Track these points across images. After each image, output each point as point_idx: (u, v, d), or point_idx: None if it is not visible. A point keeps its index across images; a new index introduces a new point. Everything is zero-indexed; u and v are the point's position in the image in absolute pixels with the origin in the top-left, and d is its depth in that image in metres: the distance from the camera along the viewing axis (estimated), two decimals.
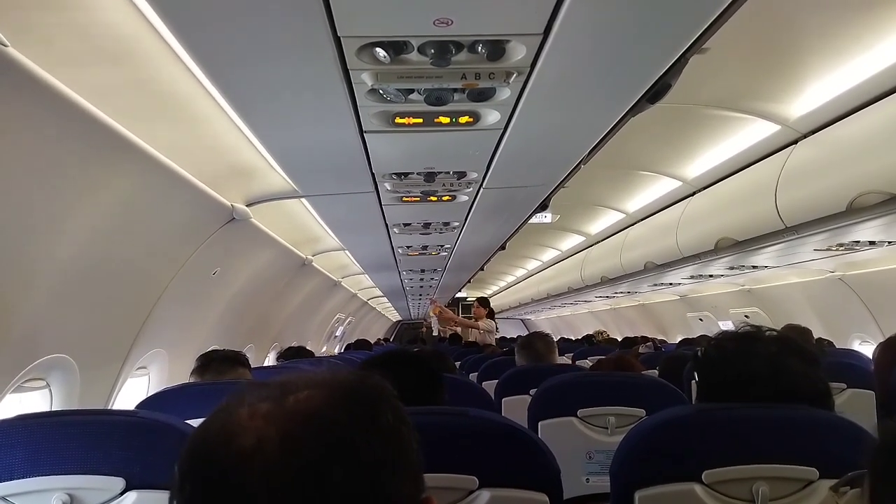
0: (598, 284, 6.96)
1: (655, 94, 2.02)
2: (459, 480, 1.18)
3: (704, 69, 2.36)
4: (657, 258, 5.03)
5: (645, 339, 6.44)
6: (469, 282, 10.25)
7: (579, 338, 9.55)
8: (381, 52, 1.63)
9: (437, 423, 1.23)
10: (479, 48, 1.64)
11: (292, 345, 4.88)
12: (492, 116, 2.18)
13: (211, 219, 3.06)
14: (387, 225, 4.23)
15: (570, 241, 7.89)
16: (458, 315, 10.20)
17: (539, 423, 2.04)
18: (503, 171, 2.91)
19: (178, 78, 2.01)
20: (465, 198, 3.45)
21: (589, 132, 2.45)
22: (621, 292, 7.63)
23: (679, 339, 6.79)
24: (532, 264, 10.86)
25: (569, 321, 13.87)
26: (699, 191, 4.34)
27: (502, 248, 5.94)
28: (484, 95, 1.93)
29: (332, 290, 7.53)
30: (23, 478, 1.22)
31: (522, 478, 1.20)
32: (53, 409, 2.48)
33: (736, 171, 3.80)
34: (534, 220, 4.67)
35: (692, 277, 5.60)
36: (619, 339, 7.34)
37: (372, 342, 8.16)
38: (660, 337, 7.88)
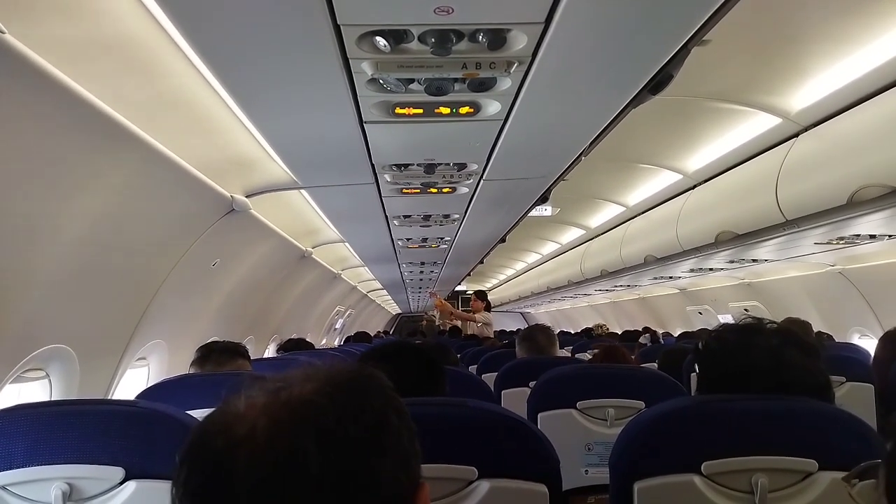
0: (597, 278, 6.96)
1: (657, 85, 2.01)
2: (458, 471, 1.18)
3: (705, 61, 2.36)
4: (657, 251, 5.03)
5: (648, 331, 6.44)
6: (469, 275, 10.25)
7: (578, 331, 9.57)
8: (381, 41, 1.62)
9: (437, 414, 1.23)
10: (480, 37, 1.63)
11: (292, 337, 4.89)
12: (492, 107, 2.17)
13: (210, 210, 3.06)
14: (387, 217, 4.23)
15: (570, 235, 7.89)
16: (458, 308, 10.25)
17: (538, 415, 2.04)
18: (503, 162, 2.90)
19: (177, 68, 2.00)
20: (466, 190, 3.45)
21: (590, 124, 2.44)
22: (621, 286, 7.63)
23: (679, 332, 6.81)
24: (532, 257, 10.86)
25: (568, 314, 13.89)
26: (699, 184, 4.33)
27: (502, 240, 5.94)
28: (485, 85, 1.92)
29: (331, 283, 7.53)
30: (22, 467, 1.22)
31: (522, 469, 1.20)
32: (53, 399, 2.48)
33: (737, 165, 3.79)
34: (534, 212, 4.66)
35: (692, 271, 5.60)
36: (619, 333, 7.36)
37: (372, 335, 8.17)
38: (662, 331, 7.88)
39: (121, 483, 1.24)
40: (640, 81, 2.01)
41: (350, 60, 1.74)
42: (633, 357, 2.78)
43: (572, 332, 10.20)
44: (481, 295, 7.66)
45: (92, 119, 1.83)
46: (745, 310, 6.22)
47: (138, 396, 2.00)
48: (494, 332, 7.67)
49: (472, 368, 3.63)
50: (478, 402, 1.29)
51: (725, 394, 1.30)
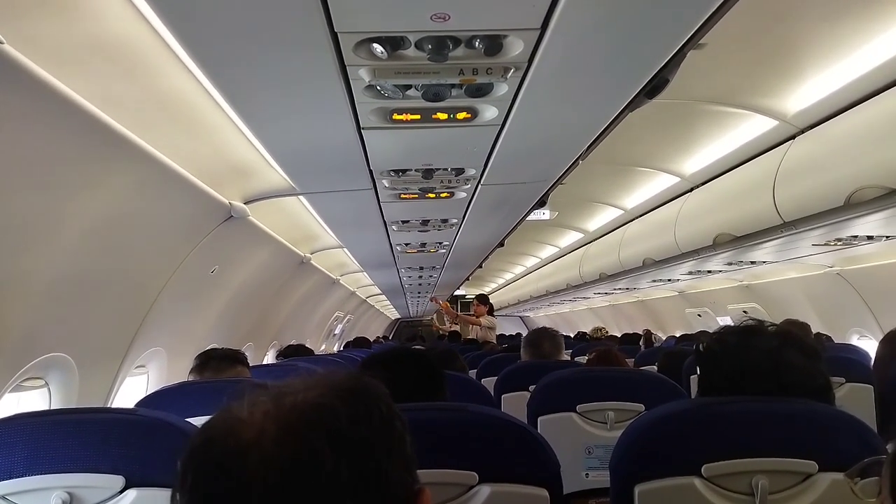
0: (596, 281, 6.96)
1: (653, 89, 2.02)
2: (459, 476, 1.18)
3: (702, 65, 2.37)
4: (655, 254, 5.03)
5: (649, 333, 6.44)
6: (468, 279, 10.25)
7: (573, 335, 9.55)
8: (378, 47, 1.63)
9: (437, 419, 1.23)
10: (477, 43, 1.64)
11: (291, 343, 4.88)
12: (489, 112, 2.17)
13: (209, 217, 3.06)
14: (385, 222, 4.23)
15: (569, 238, 7.90)
16: (457, 310, 10.22)
17: (538, 419, 2.04)
18: (501, 167, 2.91)
19: (175, 75, 2.00)
20: (464, 194, 3.45)
21: (587, 128, 2.45)
22: (620, 289, 7.64)
23: (678, 334, 6.80)
24: (531, 261, 10.86)
25: (567, 318, 13.89)
26: (697, 187, 4.34)
27: (501, 245, 5.94)
28: (482, 91, 1.93)
29: (330, 288, 7.53)
30: (22, 476, 1.21)
31: (522, 473, 1.20)
32: (52, 408, 2.47)
33: (734, 167, 3.80)
34: (532, 216, 4.67)
35: (690, 273, 5.60)
36: (619, 336, 7.36)
37: (371, 340, 8.16)
38: (659, 333, 7.88)
39: (121, 491, 1.23)
40: (637, 86, 2.02)
41: (347, 67, 1.74)
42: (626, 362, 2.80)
43: (571, 335, 10.21)
44: (483, 299, 7.65)
45: (90, 127, 1.83)
46: (744, 312, 6.22)
47: (138, 404, 2.00)
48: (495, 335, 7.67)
49: (472, 373, 3.63)
50: (478, 407, 1.29)
51: (726, 396, 1.30)
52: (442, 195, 3.39)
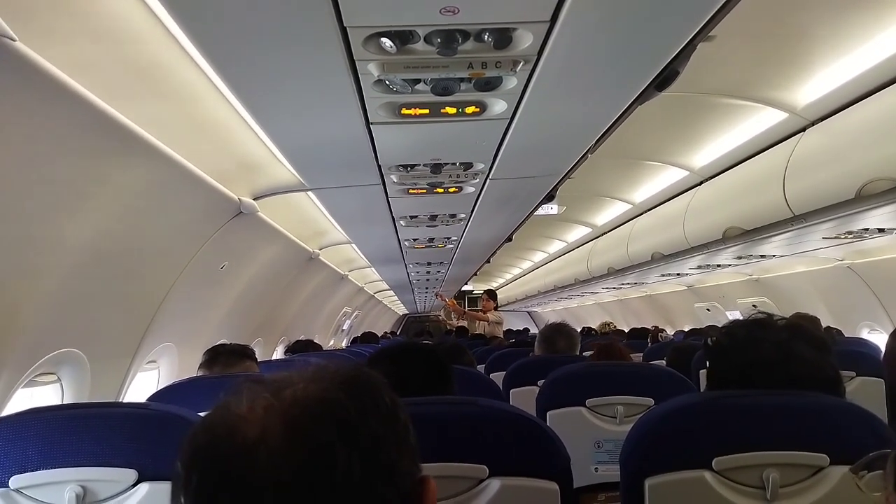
0: (604, 276, 6.94)
1: (663, 81, 2.01)
2: (469, 469, 1.19)
3: (711, 57, 2.35)
4: (664, 248, 5.01)
5: (657, 331, 6.42)
6: (475, 274, 10.25)
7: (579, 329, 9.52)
8: (387, 42, 1.63)
9: (447, 413, 1.23)
10: (486, 36, 1.63)
11: (300, 338, 4.90)
12: (498, 106, 2.17)
13: (218, 213, 3.07)
14: (393, 217, 4.23)
15: (577, 233, 7.88)
16: (465, 306, 10.25)
17: (547, 413, 2.05)
18: (510, 161, 2.90)
19: (184, 71, 2.01)
20: (472, 189, 3.44)
21: (596, 121, 2.44)
22: (628, 283, 7.62)
23: (687, 329, 6.79)
24: (538, 256, 10.84)
25: (575, 313, 13.86)
26: (706, 180, 4.31)
27: (509, 239, 5.93)
28: (490, 85, 1.92)
29: (338, 284, 7.54)
30: (36, 470, 1.23)
31: (532, 467, 1.20)
32: (65, 402, 2.49)
33: (743, 160, 3.78)
34: (540, 211, 4.66)
35: (700, 267, 5.59)
36: (627, 331, 7.34)
37: (379, 335, 8.18)
38: (668, 328, 7.86)
39: (134, 485, 1.24)
40: (646, 78, 2.01)
41: (356, 62, 1.74)
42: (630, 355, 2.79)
43: (578, 330, 10.16)
44: (492, 294, 7.66)
45: (101, 123, 1.84)
46: (754, 306, 6.19)
47: (149, 399, 2.02)
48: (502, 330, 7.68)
49: (480, 368, 3.63)
50: (488, 401, 1.29)
51: (735, 389, 1.30)
52: (450, 190, 3.39)
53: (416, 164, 2.92)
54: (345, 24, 1.53)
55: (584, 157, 2.99)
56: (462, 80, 1.89)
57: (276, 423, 0.59)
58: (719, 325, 1.51)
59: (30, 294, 2.10)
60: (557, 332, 3.13)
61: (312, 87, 1.92)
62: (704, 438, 1.22)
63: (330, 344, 8.96)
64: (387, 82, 1.88)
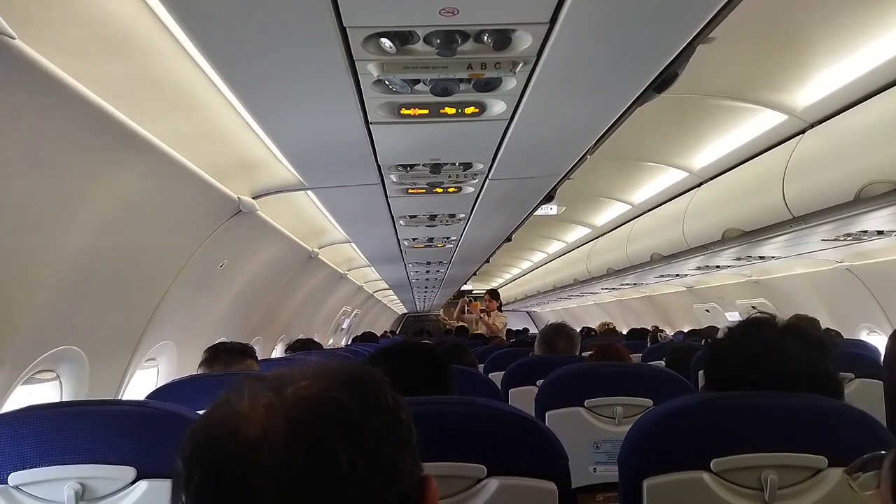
0: (604, 276, 6.95)
1: (662, 83, 2.01)
2: (467, 469, 1.19)
3: (710, 59, 2.36)
4: (663, 249, 5.02)
5: (656, 332, 6.43)
6: (475, 274, 10.25)
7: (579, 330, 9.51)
8: (386, 42, 1.63)
9: (446, 412, 1.23)
10: (485, 38, 1.64)
11: (300, 337, 4.90)
12: (498, 107, 2.17)
13: (218, 211, 3.07)
14: (392, 217, 4.23)
15: (576, 233, 7.88)
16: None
17: (546, 414, 2.05)
18: (509, 161, 2.91)
19: (184, 70, 2.01)
20: (471, 189, 3.45)
21: (595, 122, 2.44)
22: (627, 284, 7.62)
23: (686, 329, 6.79)
24: (538, 256, 10.85)
25: (575, 313, 13.87)
26: (706, 181, 4.32)
27: (508, 239, 5.93)
28: (490, 85, 1.92)
29: (338, 283, 7.54)
30: (35, 467, 1.23)
31: (531, 466, 1.21)
32: (64, 400, 2.49)
33: (743, 162, 3.78)
34: (539, 211, 4.66)
35: (699, 268, 5.59)
36: (623, 332, 7.34)
37: (378, 335, 8.18)
38: (667, 328, 7.86)
39: (132, 483, 1.25)
40: (646, 80, 2.01)
41: (356, 62, 1.74)
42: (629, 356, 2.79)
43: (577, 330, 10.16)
44: (495, 294, 7.67)
45: (101, 121, 1.84)
46: (753, 307, 6.20)
47: (148, 397, 2.02)
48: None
49: (480, 367, 3.63)
50: (486, 401, 1.30)
51: (732, 388, 1.31)
52: (450, 190, 3.39)
53: (415, 164, 2.92)
54: (344, 24, 1.53)
55: (583, 157, 2.99)
56: (461, 80, 1.89)
57: (278, 421, 0.58)
58: (718, 327, 1.53)
59: (29, 292, 2.10)
60: (557, 333, 3.13)
61: (312, 86, 1.92)
62: (703, 439, 1.23)
63: (329, 343, 8.96)
64: (386, 82, 1.89)
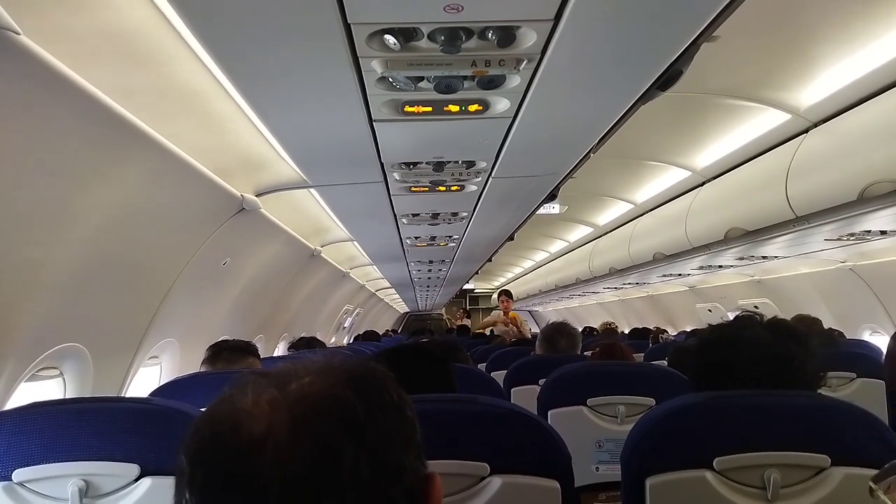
0: (606, 275, 6.94)
1: (666, 81, 2.01)
2: (470, 467, 1.19)
3: (714, 58, 2.35)
4: (666, 249, 5.01)
5: (658, 332, 6.42)
6: (477, 273, 10.25)
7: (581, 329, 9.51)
8: (390, 39, 1.63)
9: (448, 411, 1.23)
10: (490, 35, 1.63)
11: (303, 335, 4.91)
12: (501, 104, 2.17)
13: (221, 209, 3.07)
14: (395, 215, 4.23)
15: (579, 232, 7.88)
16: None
17: (549, 412, 2.05)
18: (512, 160, 2.90)
19: (187, 67, 2.01)
20: (474, 187, 3.44)
21: (599, 120, 2.44)
22: (630, 283, 7.61)
23: (689, 329, 6.78)
24: (540, 255, 10.85)
25: (577, 312, 13.86)
26: (709, 181, 4.31)
27: (510, 238, 5.93)
28: (494, 83, 1.92)
29: (340, 282, 7.55)
30: (39, 464, 1.23)
31: (533, 465, 1.21)
32: (67, 397, 2.50)
33: (746, 161, 3.78)
34: (542, 210, 4.66)
35: (701, 268, 5.58)
36: (627, 332, 7.33)
37: (380, 333, 8.19)
38: (669, 328, 7.85)
39: (136, 480, 1.25)
40: (650, 78, 2.01)
41: (360, 59, 1.74)
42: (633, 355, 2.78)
43: (579, 329, 10.15)
44: (510, 294, 7.67)
45: (105, 118, 1.84)
46: (755, 307, 6.19)
47: (151, 394, 2.02)
48: None
49: (481, 366, 3.64)
50: (490, 399, 1.30)
51: (709, 374, 1.33)
52: (452, 188, 3.39)
53: (418, 162, 2.92)
54: (349, 21, 1.53)
55: (586, 156, 2.99)
56: (465, 77, 1.89)
57: (282, 419, 0.58)
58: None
59: (32, 289, 2.11)
60: (558, 332, 3.13)
61: (315, 83, 1.92)
62: (706, 438, 1.23)
63: (331, 341, 8.96)
64: (390, 79, 1.88)
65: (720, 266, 5.45)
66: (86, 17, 1.65)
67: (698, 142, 3.97)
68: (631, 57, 1.85)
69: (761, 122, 3.39)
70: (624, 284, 7.83)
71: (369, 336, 7.10)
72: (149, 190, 2.41)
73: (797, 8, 2.40)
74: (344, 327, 10.17)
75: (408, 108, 2.13)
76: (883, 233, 3.45)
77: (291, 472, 0.56)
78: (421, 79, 1.89)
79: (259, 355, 2.56)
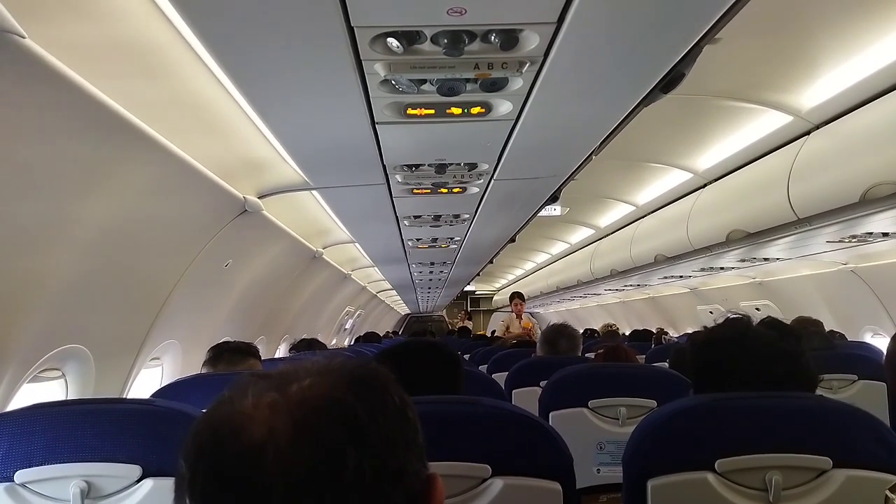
0: (607, 277, 6.94)
1: (669, 83, 2.01)
2: (472, 469, 1.19)
3: (716, 60, 2.35)
4: (667, 251, 5.01)
5: (660, 334, 6.41)
6: (478, 275, 10.25)
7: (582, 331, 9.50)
8: (394, 42, 1.63)
9: (450, 412, 1.24)
10: (493, 37, 1.63)
11: (304, 337, 4.91)
12: (504, 107, 2.17)
13: (223, 211, 3.08)
14: (397, 217, 4.23)
15: (580, 234, 7.88)
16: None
17: (550, 414, 2.05)
18: (514, 162, 2.91)
19: (190, 69, 2.02)
20: (476, 189, 3.45)
21: (601, 123, 2.44)
22: (631, 285, 7.61)
23: (690, 331, 6.77)
24: (541, 257, 10.84)
25: (578, 314, 13.85)
26: (710, 182, 4.31)
27: (512, 240, 5.93)
28: (496, 86, 1.92)
29: (341, 283, 7.55)
30: (41, 465, 1.24)
31: (535, 466, 1.21)
32: (69, 398, 2.50)
33: (748, 163, 3.78)
34: (543, 212, 4.66)
35: (703, 270, 5.58)
36: (628, 333, 7.33)
37: (381, 335, 8.19)
38: (670, 330, 7.85)
39: (138, 481, 1.25)
40: (652, 80, 2.01)
41: (363, 62, 1.75)
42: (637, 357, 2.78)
43: (580, 331, 10.14)
44: (522, 297, 7.66)
45: (108, 121, 1.85)
46: (757, 309, 6.19)
47: (153, 396, 2.02)
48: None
49: (482, 368, 3.63)
50: (491, 401, 1.30)
51: (710, 374, 1.34)
52: (454, 190, 3.39)
53: (420, 165, 2.92)
54: (352, 24, 1.54)
55: (588, 158, 2.99)
56: (468, 80, 1.89)
57: (283, 422, 0.58)
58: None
59: (35, 290, 2.11)
60: (559, 334, 3.12)
61: (319, 86, 1.93)
62: (707, 440, 1.23)
63: (332, 343, 8.96)
64: (393, 82, 1.89)
65: (721, 268, 5.45)
66: (89, 24, 1.66)
67: (700, 144, 3.97)
68: (633, 59, 1.85)
69: (763, 124, 3.39)
70: (625, 286, 7.83)
71: (370, 338, 7.10)
72: (152, 192, 2.42)
73: (799, 10, 2.40)
74: (345, 329, 10.17)
75: (410, 111, 2.14)
76: (885, 235, 3.44)
77: (293, 477, 0.56)
78: (423, 81, 1.90)
79: (260, 357, 2.57)
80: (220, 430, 0.59)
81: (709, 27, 1.67)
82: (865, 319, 4.97)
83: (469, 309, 20.41)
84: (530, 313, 18.75)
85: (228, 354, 2.44)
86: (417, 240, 5.29)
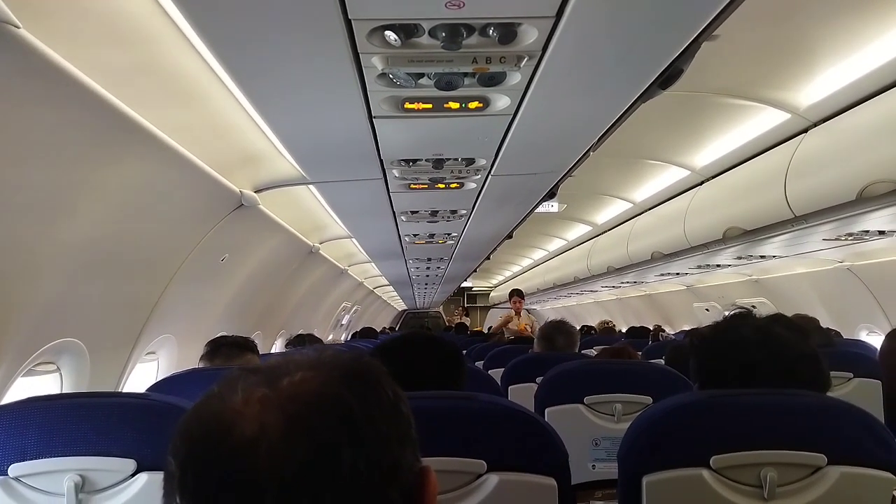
0: (604, 274, 6.94)
1: (667, 79, 2.01)
2: (467, 464, 1.19)
3: (714, 57, 2.35)
4: (664, 248, 5.01)
5: (657, 331, 6.41)
6: (475, 271, 10.25)
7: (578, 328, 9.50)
8: (391, 35, 1.62)
9: (445, 408, 1.23)
10: (491, 31, 1.63)
11: (300, 332, 4.91)
12: (502, 102, 2.17)
13: (219, 205, 3.07)
14: (394, 212, 4.23)
15: (577, 231, 7.88)
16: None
17: (546, 410, 2.05)
18: (512, 157, 2.90)
19: (187, 62, 2.01)
20: (474, 185, 3.44)
21: (599, 118, 2.44)
22: (627, 282, 7.62)
23: (687, 328, 6.79)
24: (538, 254, 10.85)
25: (575, 311, 13.87)
26: (707, 180, 4.31)
27: (509, 236, 5.94)
28: (494, 80, 1.92)
29: (338, 279, 7.55)
30: (35, 458, 1.23)
31: (531, 462, 1.21)
32: (64, 392, 2.50)
33: (745, 160, 3.78)
34: (541, 209, 4.66)
35: (699, 267, 5.58)
36: (624, 330, 7.34)
37: (378, 331, 8.19)
38: (667, 327, 7.86)
39: (132, 475, 1.25)
40: (651, 76, 2.01)
41: (360, 55, 1.74)
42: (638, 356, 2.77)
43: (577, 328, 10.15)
44: (522, 294, 7.67)
45: (104, 113, 1.84)
46: (753, 306, 6.18)
47: (149, 390, 2.02)
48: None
49: (479, 364, 3.64)
50: (487, 396, 1.29)
51: (725, 375, 1.32)
52: (452, 186, 3.39)
53: (418, 159, 2.91)
54: (349, 17, 1.53)
55: (585, 154, 2.99)
56: (466, 74, 1.89)
57: (275, 418, 0.56)
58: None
59: (30, 283, 2.10)
60: (556, 330, 3.13)
61: (316, 79, 1.92)
62: (702, 436, 1.23)
63: (329, 338, 8.97)
64: (390, 76, 1.88)
65: (718, 265, 5.46)
66: (84, 11, 1.64)
67: (698, 141, 3.97)
68: (632, 55, 1.85)
69: (761, 121, 3.39)
70: (622, 283, 7.83)
71: (367, 333, 7.10)
72: (148, 185, 2.41)
73: (797, 7, 2.40)
74: (342, 324, 10.17)
75: (408, 105, 2.13)
76: (881, 233, 3.45)
77: (287, 473, 0.55)
78: (421, 75, 1.89)
79: (258, 352, 2.56)
80: (210, 427, 0.58)
81: (707, 23, 1.67)
82: (861, 317, 4.98)
83: (466, 305, 20.43)
84: (527, 310, 18.82)
85: (226, 349, 2.43)
86: (414, 235, 5.29)
